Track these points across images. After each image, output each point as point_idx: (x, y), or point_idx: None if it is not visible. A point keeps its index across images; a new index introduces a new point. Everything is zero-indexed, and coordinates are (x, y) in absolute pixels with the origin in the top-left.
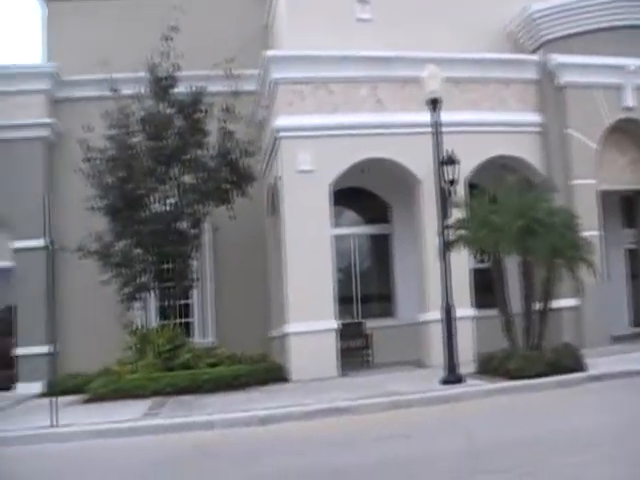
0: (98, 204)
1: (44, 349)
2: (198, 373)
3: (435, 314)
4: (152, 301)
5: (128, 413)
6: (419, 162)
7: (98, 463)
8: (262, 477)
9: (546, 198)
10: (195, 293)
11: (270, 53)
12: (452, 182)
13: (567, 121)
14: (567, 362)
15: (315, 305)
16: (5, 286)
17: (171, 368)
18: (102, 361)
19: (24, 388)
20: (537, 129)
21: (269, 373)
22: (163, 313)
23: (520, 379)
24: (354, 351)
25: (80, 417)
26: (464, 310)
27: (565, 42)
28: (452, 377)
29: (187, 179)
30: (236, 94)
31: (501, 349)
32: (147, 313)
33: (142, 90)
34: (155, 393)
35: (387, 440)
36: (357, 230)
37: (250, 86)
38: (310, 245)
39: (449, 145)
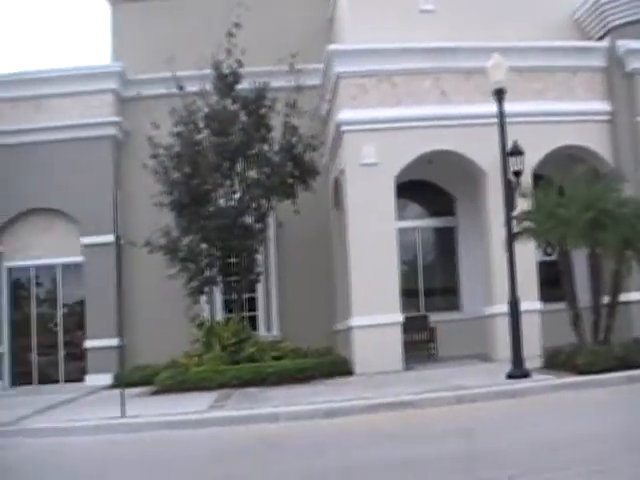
0: (165, 200)
1: (113, 342)
2: (263, 366)
3: (501, 307)
4: (217, 295)
5: (194, 405)
6: (484, 153)
7: (166, 453)
8: (328, 470)
9: (615, 188)
10: (260, 287)
11: (333, 47)
12: (518, 173)
13: (637, 109)
14: (636, 357)
15: (380, 298)
16: (75, 281)
17: (236, 361)
18: (169, 354)
19: (94, 380)
20: (605, 118)
21: (333, 366)
22: (228, 307)
23: (588, 374)
24: (418, 344)
25: (148, 408)
26: (531, 303)
27: (633, 27)
28: (518, 371)
29: (252, 174)
30: (300, 89)
31: (568, 343)
32: (213, 307)
33: (207, 87)
34: (221, 386)
35: (451, 434)
36: (421, 223)
37: (313, 80)
38: (374, 238)
39: (514, 136)
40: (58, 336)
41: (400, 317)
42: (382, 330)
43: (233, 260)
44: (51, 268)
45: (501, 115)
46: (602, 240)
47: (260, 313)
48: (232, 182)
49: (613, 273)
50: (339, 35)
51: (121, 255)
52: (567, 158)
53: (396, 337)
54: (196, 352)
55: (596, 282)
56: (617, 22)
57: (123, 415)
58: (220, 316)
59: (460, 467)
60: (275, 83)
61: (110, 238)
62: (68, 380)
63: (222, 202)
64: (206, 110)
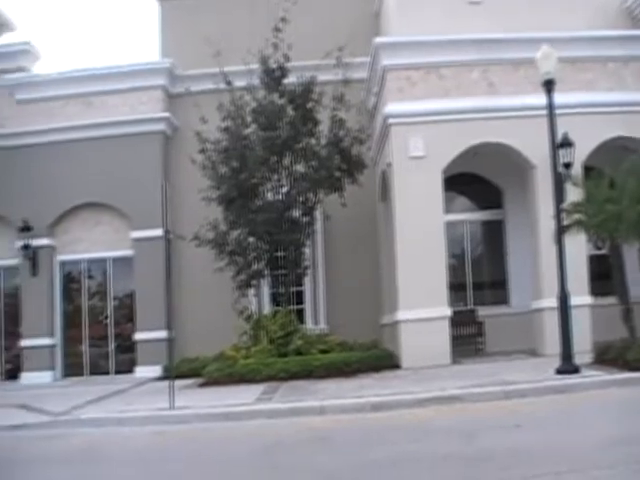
0: (213, 194)
1: (162, 334)
2: (310, 359)
3: (550, 302)
4: (265, 288)
5: (242, 397)
6: (533, 146)
7: (215, 445)
8: (377, 463)
9: None
10: (307, 280)
11: (379, 40)
12: (567, 165)
13: None
14: None
15: (427, 292)
16: (125, 274)
17: (284, 354)
18: (217, 346)
19: (143, 371)
20: None
21: (380, 360)
22: (276, 300)
23: (639, 371)
24: (466, 339)
25: (196, 400)
26: (580, 298)
27: None
28: (567, 367)
29: (299, 168)
30: (347, 82)
31: (619, 339)
32: (260, 300)
33: (254, 82)
34: (268, 378)
35: (498, 429)
36: (469, 216)
37: (360, 74)
38: (422, 232)
39: (564, 127)
40: (108, 328)
41: (448, 311)
42: (429, 324)
43: (280, 253)
44: (102, 262)
45: (550, 106)
46: None
47: (307, 306)
48: (279, 176)
49: None
50: (386, 28)
51: (170, 249)
52: (618, 150)
53: (443, 331)
54: (244, 345)
55: None
56: None
57: (172, 406)
58: (267, 309)
59: (504, 463)
60: (322, 77)
61: (159, 232)
62: (118, 372)
63: (270, 196)
64: (253, 105)
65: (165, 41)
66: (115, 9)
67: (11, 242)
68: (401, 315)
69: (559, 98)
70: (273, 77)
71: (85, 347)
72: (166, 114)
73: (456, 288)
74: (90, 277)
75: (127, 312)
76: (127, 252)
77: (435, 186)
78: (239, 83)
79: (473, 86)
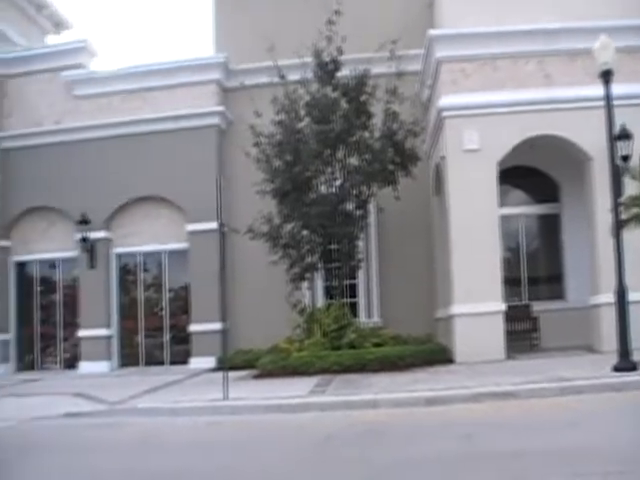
0: (267, 188)
1: (216, 326)
2: (363, 353)
3: (607, 297)
4: (319, 281)
5: (295, 390)
6: (590, 138)
7: (269, 436)
8: (427, 458)
9: None
10: (361, 273)
11: (433, 32)
12: (626, 158)
13: None
14: None
15: (481, 287)
16: (180, 267)
17: (337, 347)
18: (271, 339)
19: (197, 362)
20: None
21: (434, 354)
22: (329, 293)
23: None
24: (520, 334)
25: (250, 392)
26: (639, 294)
27: None
28: (625, 364)
29: (352, 161)
30: (400, 75)
31: None
32: (314, 293)
33: (308, 75)
34: (321, 371)
35: (552, 426)
36: (525, 210)
37: (414, 66)
38: (476, 225)
39: (622, 119)
40: (164, 320)
41: (502, 306)
42: (484, 319)
43: (334, 247)
44: (157, 254)
45: (608, 98)
46: None
47: (361, 299)
48: (333, 169)
49: None
50: (439, 20)
51: (224, 242)
52: None
53: (498, 326)
54: (297, 338)
55: None
56: None
57: (226, 397)
58: (321, 302)
59: (557, 460)
60: (375, 70)
61: (214, 225)
62: (173, 362)
63: (323, 189)
64: (307, 98)
65: (219, 36)
66: (170, 5)
67: (70, 235)
68: (455, 309)
69: (617, 89)
70: (326, 70)
71: (141, 338)
72: (221, 108)
73: (511, 283)
74: (146, 269)
75: (182, 304)
76: (182, 245)
77: (490, 179)
78: (293, 77)
79: (529, 78)
